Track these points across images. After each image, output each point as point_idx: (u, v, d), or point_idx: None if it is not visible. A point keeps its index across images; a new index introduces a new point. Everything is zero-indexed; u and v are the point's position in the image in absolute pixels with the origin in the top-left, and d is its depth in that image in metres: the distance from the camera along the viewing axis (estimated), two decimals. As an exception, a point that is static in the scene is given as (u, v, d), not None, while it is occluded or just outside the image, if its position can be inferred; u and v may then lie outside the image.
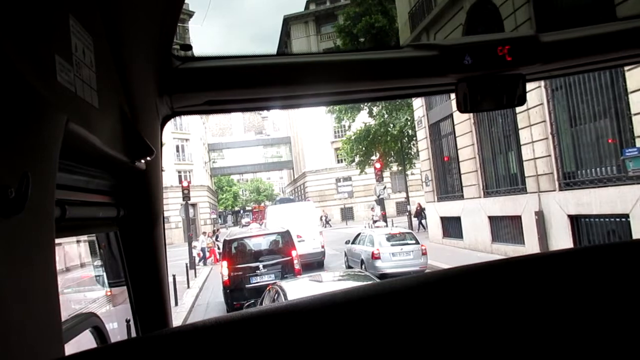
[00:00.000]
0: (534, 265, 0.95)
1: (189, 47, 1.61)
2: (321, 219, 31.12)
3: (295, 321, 0.82)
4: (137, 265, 1.46)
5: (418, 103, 22.08)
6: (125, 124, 1.18)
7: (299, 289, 7.92)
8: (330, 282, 8.58)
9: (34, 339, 0.78)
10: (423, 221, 29.12)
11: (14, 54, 0.68)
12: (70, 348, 1.00)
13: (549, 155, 13.13)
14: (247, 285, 12.09)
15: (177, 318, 12.17)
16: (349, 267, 17.57)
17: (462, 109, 1.37)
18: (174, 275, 14.00)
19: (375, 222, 30.49)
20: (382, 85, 1.52)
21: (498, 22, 14.15)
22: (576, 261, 0.95)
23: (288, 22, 52.76)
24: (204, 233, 29.32)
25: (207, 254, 25.78)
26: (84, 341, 1.39)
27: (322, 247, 19.59)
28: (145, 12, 1.23)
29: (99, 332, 1.46)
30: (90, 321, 1.43)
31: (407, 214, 31.65)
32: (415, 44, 1.44)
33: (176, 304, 13.99)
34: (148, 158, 1.27)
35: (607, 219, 11.38)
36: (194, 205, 44.24)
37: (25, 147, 0.76)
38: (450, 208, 19.62)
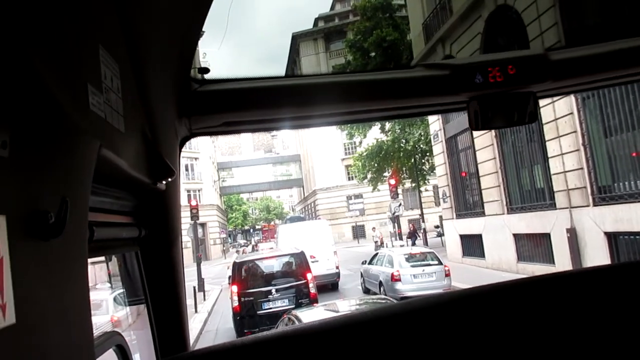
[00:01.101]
0: (559, 283, 1.08)
1: (207, 70, 1.62)
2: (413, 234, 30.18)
3: (311, 343, 0.89)
4: (157, 284, 1.49)
5: (434, 117, 21.33)
6: (148, 146, 1.22)
7: (315, 318, 7.18)
8: (347, 311, 7.99)
9: (70, 358, 0.81)
10: (417, 242, 28.26)
11: (51, 85, 0.72)
12: None
13: (581, 168, 12.25)
14: (259, 312, 11.28)
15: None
16: (366, 289, 16.67)
17: (474, 126, 1.37)
18: (181, 300, 13.19)
19: (377, 244, 29.28)
20: (393, 104, 1.53)
21: (520, 30, 13.42)
22: (607, 278, 1.06)
23: (297, 39, 52.63)
24: (238, 251, 29.25)
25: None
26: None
27: (337, 267, 18.73)
28: (166, 39, 1.28)
29: (122, 350, 1.47)
30: (114, 340, 1.45)
31: (422, 231, 30.79)
32: (426, 63, 1.47)
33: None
34: (169, 179, 1.31)
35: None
36: (203, 224, 43.70)
37: (63, 173, 0.80)
38: (470, 225, 18.71)
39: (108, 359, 1.44)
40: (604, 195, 11.89)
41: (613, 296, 1.52)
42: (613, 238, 11.55)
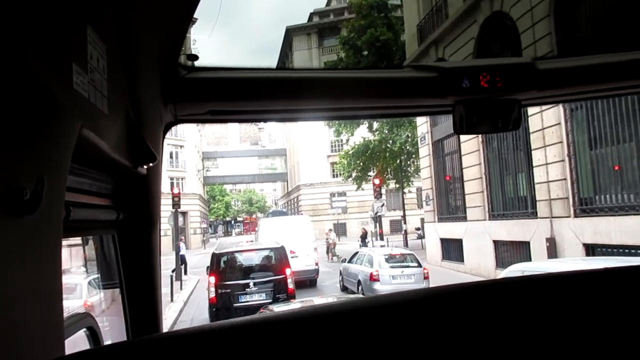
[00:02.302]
0: (531, 286, 1.01)
1: (196, 57, 1.66)
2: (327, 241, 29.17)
3: (282, 332, 0.84)
4: (133, 268, 1.47)
5: (422, 119, 21.34)
6: (131, 129, 1.20)
7: None
8: None
9: (39, 337, 0.81)
10: (369, 245, 27.72)
11: (36, 62, 0.72)
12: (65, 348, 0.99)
13: (565, 179, 12.34)
14: (235, 305, 11.16)
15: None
16: (344, 287, 16.64)
17: (458, 130, 1.36)
18: (157, 287, 13.00)
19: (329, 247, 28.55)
20: (380, 103, 1.53)
21: (514, 37, 13.45)
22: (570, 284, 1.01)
23: (290, 33, 52.37)
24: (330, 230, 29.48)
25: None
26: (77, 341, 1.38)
27: (316, 264, 18.68)
28: (156, 22, 1.26)
29: (93, 332, 1.46)
30: (85, 322, 1.44)
31: (404, 232, 30.86)
32: (415, 64, 1.51)
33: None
34: (151, 164, 1.29)
35: (628, 250, 10.56)
36: (184, 213, 43.33)
37: (41, 151, 0.80)
38: (452, 229, 18.79)
39: (79, 341, 1.44)
40: (585, 207, 11.99)
41: (600, 301, 1.50)
42: (591, 250, 11.66)
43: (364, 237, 31.55)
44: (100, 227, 1.37)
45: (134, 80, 1.22)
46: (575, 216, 12.13)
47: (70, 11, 0.84)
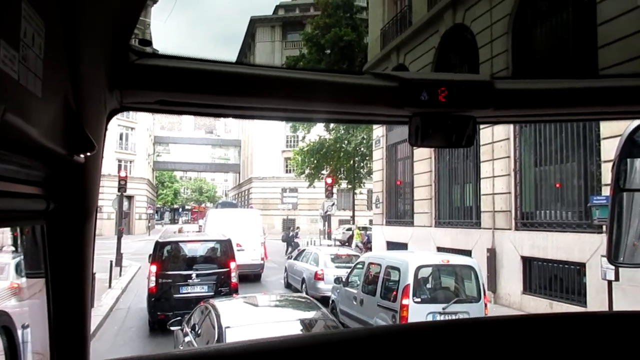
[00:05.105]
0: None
1: (148, 43, 1.52)
2: (291, 238, 26.72)
3: None
4: (61, 262, 1.37)
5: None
6: (68, 115, 1.13)
7: (233, 310, 7.14)
8: (267, 306, 7.94)
9: None
10: (293, 244, 26.23)
11: None
12: None
13: (509, 193, 12.78)
14: (175, 295, 10.89)
15: (92, 322, 10.77)
16: (288, 284, 16.61)
17: (412, 141, 1.37)
18: (93, 274, 12.51)
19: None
20: (338, 108, 1.51)
21: (473, 51, 13.80)
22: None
23: (254, 23, 51.80)
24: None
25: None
26: None
27: (262, 259, 18.58)
28: (105, 2, 1.17)
29: (8, 332, 1.37)
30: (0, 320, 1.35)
31: (350, 233, 31.11)
32: (375, 72, 1.45)
33: (92, 305, 12.49)
34: (88, 153, 1.21)
35: (561, 265, 11.06)
36: (130, 197, 42.08)
37: None
38: (398, 233, 19.10)
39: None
40: (525, 221, 12.45)
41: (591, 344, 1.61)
42: (528, 262, 12.13)
43: (289, 241, 27.17)
44: (27, 217, 1.28)
45: (77, 62, 1.14)
46: (516, 229, 12.59)
47: None
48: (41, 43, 0.92)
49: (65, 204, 1.34)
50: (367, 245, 25.00)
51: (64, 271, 1.43)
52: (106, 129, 1.48)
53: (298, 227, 32.09)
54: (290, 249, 25.30)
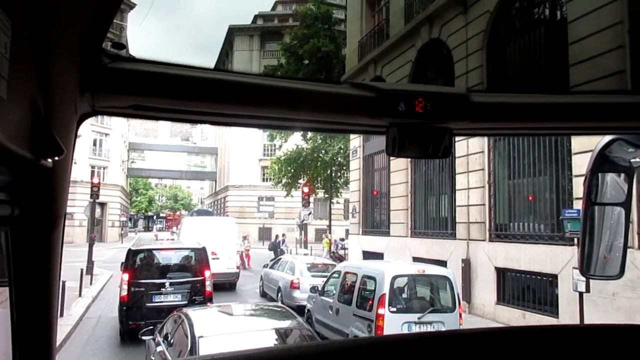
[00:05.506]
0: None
1: (122, 46, 1.51)
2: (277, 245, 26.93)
3: None
4: (26, 271, 1.33)
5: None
6: (36, 118, 1.09)
7: (207, 319, 7.02)
8: (241, 315, 7.80)
9: None
10: (279, 251, 25.82)
11: None
12: None
13: (483, 204, 12.98)
14: (148, 304, 10.69)
15: (60, 332, 10.55)
16: (264, 293, 16.50)
17: (389, 152, 1.36)
18: (63, 282, 12.22)
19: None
20: (315, 117, 1.51)
21: (449, 65, 14.04)
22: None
23: (233, 32, 51.70)
24: (245, 237, 28.34)
25: (245, 259, 25.14)
26: None
27: (237, 267, 18.47)
28: (77, 2, 1.12)
29: None
30: None
31: (331, 243, 30.98)
32: (353, 82, 1.46)
33: (61, 314, 12.21)
34: (56, 158, 1.16)
35: (534, 276, 11.25)
36: (103, 204, 41.35)
37: None
38: (374, 243, 19.19)
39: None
40: (499, 232, 12.65)
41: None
42: (502, 273, 12.31)
43: (278, 244, 27.96)
44: None
45: (46, 63, 1.11)
46: (490, 240, 12.77)
47: None
48: (7, 42, 0.90)
49: (31, 209, 1.30)
50: (335, 255, 25.11)
51: (29, 280, 1.39)
52: (77, 133, 1.44)
53: (284, 235, 31.87)
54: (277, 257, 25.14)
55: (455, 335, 1.84)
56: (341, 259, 22.04)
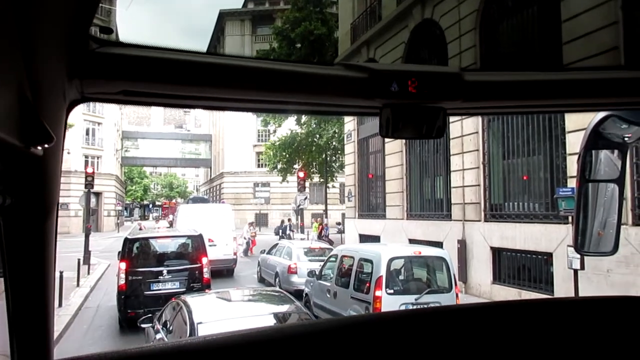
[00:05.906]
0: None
1: (110, 31, 1.52)
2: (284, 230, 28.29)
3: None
4: (20, 261, 1.33)
5: (349, 117, 21.66)
6: (23, 105, 1.07)
7: (205, 305, 7.05)
8: (240, 301, 7.84)
9: None
10: (286, 236, 26.86)
11: None
12: None
13: (478, 185, 13.01)
14: (146, 292, 10.72)
15: (59, 322, 10.59)
16: (262, 278, 16.58)
17: (383, 133, 1.36)
18: (61, 272, 12.24)
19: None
20: (309, 99, 1.49)
21: (442, 46, 13.96)
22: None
23: (224, 17, 51.15)
24: (251, 224, 29.16)
25: (251, 244, 25.72)
26: None
27: (235, 254, 18.50)
28: None
29: None
30: None
31: (322, 227, 31.10)
32: (346, 63, 1.45)
33: (60, 305, 12.23)
34: (46, 145, 1.16)
35: (529, 255, 11.33)
36: (98, 194, 41.24)
37: None
38: (371, 226, 19.26)
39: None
40: (494, 212, 12.71)
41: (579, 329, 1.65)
42: (497, 253, 12.40)
43: (284, 229, 30.33)
44: None
45: (32, 49, 1.08)
46: (486, 221, 12.84)
47: None
48: None
49: (23, 199, 1.29)
50: (324, 238, 25.37)
51: (23, 270, 1.39)
52: (67, 121, 1.40)
53: (290, 219, 32.02)
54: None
55: (451, 310, 1.85)
56: (330, 243, 22.08)
